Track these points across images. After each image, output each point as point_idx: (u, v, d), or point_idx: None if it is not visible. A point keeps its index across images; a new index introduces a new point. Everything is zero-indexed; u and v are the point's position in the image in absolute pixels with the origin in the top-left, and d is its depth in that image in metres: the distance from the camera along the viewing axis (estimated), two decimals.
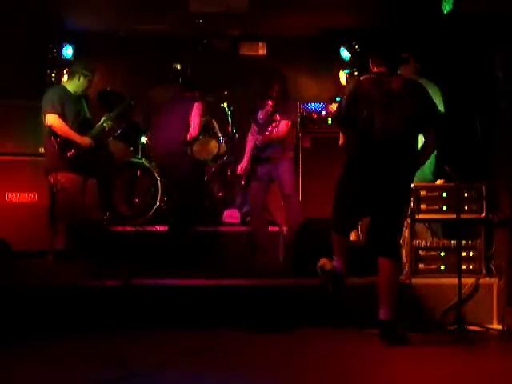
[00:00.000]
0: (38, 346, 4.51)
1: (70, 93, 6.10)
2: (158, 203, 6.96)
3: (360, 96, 4.63)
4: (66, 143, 5.91)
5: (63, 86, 6.22)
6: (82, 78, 6.10)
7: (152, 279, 5.17)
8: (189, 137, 6.58)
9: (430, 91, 5.70)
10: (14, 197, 6.48)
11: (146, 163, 7.15)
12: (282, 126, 6.19)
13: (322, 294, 5.00)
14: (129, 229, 6.69)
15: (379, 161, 4.56)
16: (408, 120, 4.58)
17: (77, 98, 6.14)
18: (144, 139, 7.41)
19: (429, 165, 5.76)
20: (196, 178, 6.72)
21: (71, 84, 6.15)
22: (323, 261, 4.85)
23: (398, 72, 4.98)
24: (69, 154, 5.91)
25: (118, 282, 5.08)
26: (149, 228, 6.75)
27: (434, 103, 4.81)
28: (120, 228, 6.72)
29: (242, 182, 6.41)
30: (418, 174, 5.34)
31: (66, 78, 7.38)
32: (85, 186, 6.09)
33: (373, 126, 4.56)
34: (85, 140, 5.99)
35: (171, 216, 6.74)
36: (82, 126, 6.06)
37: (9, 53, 6.89)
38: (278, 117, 6.20)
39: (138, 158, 7.32)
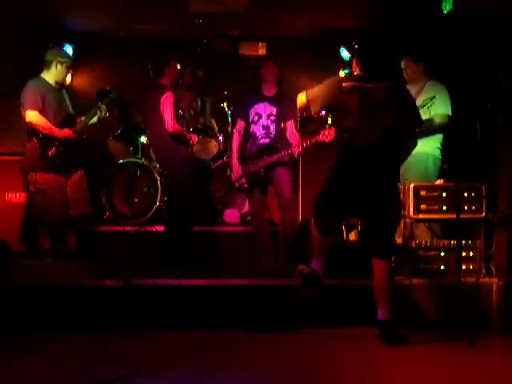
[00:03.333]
0: (37, 345, 4.51)
1: (51, 85, 5.87)
2: (157, 203, 6.95)
3: (340, 104, 4.73)
4: (47, 141, 5.71)
5: (42, 78, 5.92)
6: (59, 66, 5.85)
7: (152, 279, 5.18)
8: (169, 131, 6.31)
9: (438, 92, 5.77)
10: (14, 197, 6.48)
11: (145, 163, 7.15)
12: (291, 129, 6.06)
13: (323, 294, 5.02)
14: (129, 229, 6.69)
15: (363, 166, 4.64)
16: (390, 127, 4.63)
17: (58, 91, 5.92)
18: (144, 139, 7.41)
19: (433, 168, 5.79)
20: (190, 176, 6.58)
21: (49, 74, 5.89)
22: (301, 266, 4.89)
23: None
24: (50, 152, 5.71)
25: (118, 282, 5.08)
26: (149, 228, 6.75)
27: (414, 106, 4.89)
28: (120, 228, 6.73)
29: (246, 186, 6.14)
30: (423, 179, 5.44)
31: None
32: (70, 183, 5.86)
33: (355, 135, 4.66)
34: (65, 133, 5.76)
35: (167, 215, 6.74)
36: (64, 120, 5.85)
37: (9, 52, 6.89)
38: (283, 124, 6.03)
39: (137, 157, 7.32)
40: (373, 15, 7.40)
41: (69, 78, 7.04)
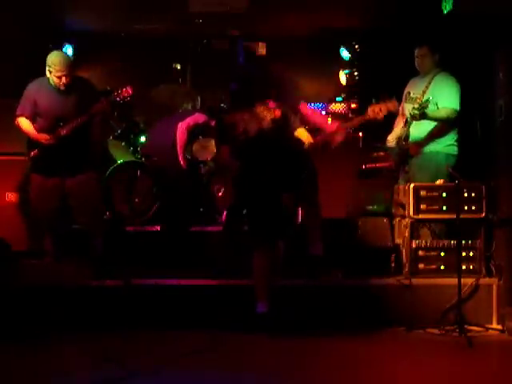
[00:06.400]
0: (37, 345, 4.51)
1: (51, 85, 5.66)
2: (157, 203, 6.94)
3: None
4: (32, 142, 5.62)
5: (44, 78, 5.70)
6: (51, 72, 5.60)
7: (152, 279, 5.18)
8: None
9: (447, 85, 5.67)
10: (13, 197, 6.47)
11: (145, 163, 7.14)
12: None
13: (323, 294, 5.03)
14: (129, 229, 6.68)
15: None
16: None
17: (57, 92, 5.64)
18: (144, 139, 7.40)
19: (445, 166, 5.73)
20: (187, 179, 6.58)
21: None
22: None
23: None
24: (32, 153, 5.62)
25: (118, 282, 5.09)
26: (149, 228, 6.75)
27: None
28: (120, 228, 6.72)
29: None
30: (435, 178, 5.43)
31: None
32: (70, 187, 5.56)
33: None
34: (40, 137, 5.55)
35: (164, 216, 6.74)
36: (54, 123, 5.58)
37: (9, 52, 6.90)
38: None
39: (137, 158, 7.31)
40: (373, 15, 7.41)
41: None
